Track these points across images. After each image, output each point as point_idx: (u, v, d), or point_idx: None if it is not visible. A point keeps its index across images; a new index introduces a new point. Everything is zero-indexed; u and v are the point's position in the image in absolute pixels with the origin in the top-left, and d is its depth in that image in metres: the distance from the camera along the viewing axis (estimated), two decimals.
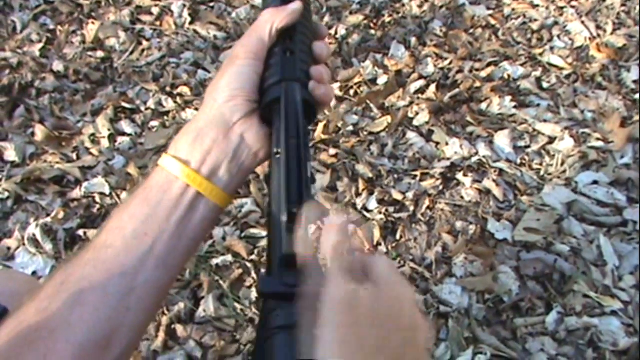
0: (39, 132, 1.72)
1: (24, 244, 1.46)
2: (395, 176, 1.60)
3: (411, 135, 1.70)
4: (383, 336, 0.41)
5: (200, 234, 0.56)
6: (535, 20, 2.08)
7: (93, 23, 2.06)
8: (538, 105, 1.79)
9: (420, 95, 1.81)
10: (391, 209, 1.52)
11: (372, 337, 0.41)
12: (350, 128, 1.71)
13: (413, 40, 1.99)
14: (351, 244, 0.48)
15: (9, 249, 1.46)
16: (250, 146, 0.58)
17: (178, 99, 1.83)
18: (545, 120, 1.73)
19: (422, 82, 1.84)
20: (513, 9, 2.12)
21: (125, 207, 0.55)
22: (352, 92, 1.83)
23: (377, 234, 1.46)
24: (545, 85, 1.86)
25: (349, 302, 0.41)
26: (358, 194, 1.55)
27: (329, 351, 0.39)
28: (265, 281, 0.47)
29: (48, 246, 1.45)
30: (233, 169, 0.57)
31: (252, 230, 1.48)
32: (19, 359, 0.47)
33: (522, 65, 1.91)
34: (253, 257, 1.44)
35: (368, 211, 1.52)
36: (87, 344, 0.49)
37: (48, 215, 1.52)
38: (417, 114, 1.74)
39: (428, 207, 1.53)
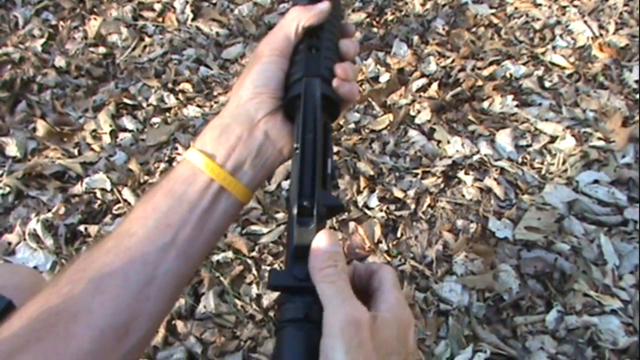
0: (41, 127, 1.72)
1: (24, 239, 1.47)
2: (397, 174, 1.60)
3: (413, 133, 1.70)
4: (386, 357, 0.44)
5: (221, 227, 0.57)
6: (538, 19, 2.08)
7: (95, 19, 2.06)
8: (540, 104, 1.79)
9: (422, 94, 1.81)
10: (392, 207, 1.52)
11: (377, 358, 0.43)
12: (352, 126, 1.71)
13: (415, 38, 1.99)
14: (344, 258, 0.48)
15: (9, 244, 1.47)
16: (274, 143, 0.59)
17: (180, 96, 1.83)
18: (546, 120, 1.73)
19: (424, 80, 1.84)
20: (516, 8, 2.12)
21: (150, 198, 0.55)
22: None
23: (377, 231, 1.47)
24: (547, 84, 1.86)
25: (351, 324, 0.42)
26: (359, 192, 1.55)
27: None
28: (275, 274, 0.47)
29: (49, 241, 1.45)
30: (257, 166, 0.58)
31: (253, 227, 1.48)
32: (39, 341, 0.47)
33: (524, 64, 1.91)
34: (254, 253, 1.44)
35: (369, 209, 1.52)
36: (106, 330, 0.49)
37: (49, 210, 1.52)
38: (419, 112, 1.74)
39: (429, 205, 1.53)
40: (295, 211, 0.48)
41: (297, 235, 0.47)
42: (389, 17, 2.08)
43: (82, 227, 1.49)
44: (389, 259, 1.42)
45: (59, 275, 0.52)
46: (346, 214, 1.50)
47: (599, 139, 1.67)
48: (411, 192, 1.55)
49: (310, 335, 0.43)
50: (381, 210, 1.51)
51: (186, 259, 0.54)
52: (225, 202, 0.56)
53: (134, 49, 2.00)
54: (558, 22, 2.07)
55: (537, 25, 2.06)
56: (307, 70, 0.58)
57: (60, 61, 1.93)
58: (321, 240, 0.47)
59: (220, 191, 0.56)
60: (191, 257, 0.55)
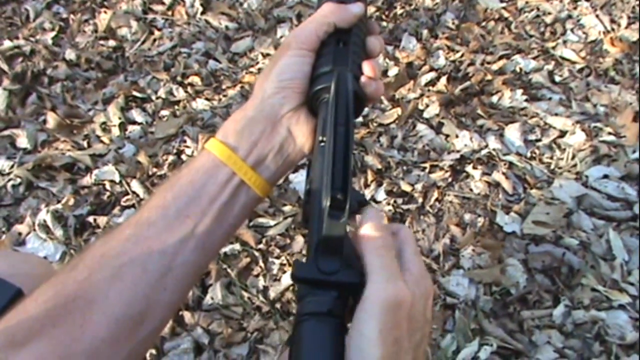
0: (51, 119, 1.73)
1: (34, 230, 1.48)
2: (404, 168, 1.60)
3: (421, 127, 1.69)
4: (414, 334, 0.45)
5: (239, 220, 0.57)
6: (549, 13, 2.06)
7: (105, 12, 2.07)
8: (550, 98, 1.78)
9: (430, 88, 1.80)
10: (399, 201, 1.52)
11: (407, 338, 0.44)
12: (360, 119, 1.71)
13: (425, 32, 1.98)
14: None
15: (20, 234, 1.48)
16: (296, 140, 0.58)
17: (189, 89, 1.83)
18: (556, 114, 1.72)
19: (433, 75, 1.83)
20: (526, 2, 2.10)
21: (169, 187, 0.55)
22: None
23: None
24: (557, 78, 1.84)
25: (393, 305, 0.43)
26: (367, 185, 1.55)
27: (371, 347, 0.41)
28: (299, 266, 0.47)
29: (58, 232, 1.46)
30: (278, 161, 0.58)
31: (261, 220, 1.48)
32: (56, 326, 0.48)
33: (534, 58, 1.90)
34: (261, 246, 1.44)
35: (376, 202, 1.52)
36: (122, 319, 0.50)
37: (59, 201, 1.53)
38: (427, 106, 1.74)
39: (437, 199, 1.53)
40: (327, 203, 0.47)
41: (328, 228, 0.47)
42: (399, 10, 2.07)
43: (91, 219, 1.50)
44: None
45: (76, 260, 0.52)
46: None
47: (610, 133, 1.66)
48: (419, 186, 1.54)
49: (333, 330, 0.42)
50: (388, 204, 1.51)
51: (204, 251, 0.55)
52: (245, 196, 0.56)
53: (143, 42, 2.00)
54: (569, 16, 2.05)
55: (548, 20, 2.04)
56: (335, 63, 0.57)
57: (70, 54, 1.94)
58: (373, 216, 0.49)
59: (241, 185, 0.56)
60: (208, 249, 0.55)
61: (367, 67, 0.58)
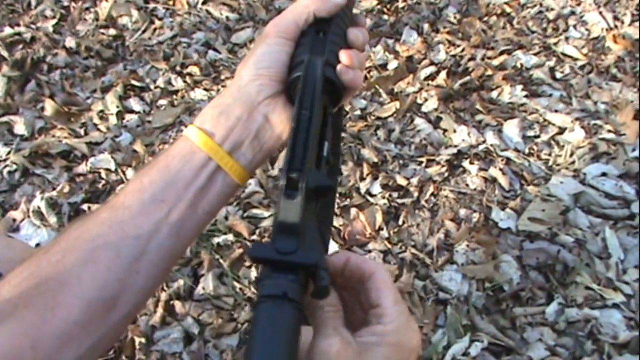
0: (49, 107, 1.73)
1: (29, 217, 1.48)
2: (401, 162, 1.59)
3: (419, 121, 1.68)
4: None
5: (215, 207, 0.57)
6: (552, 9, 2.05)
7: (107, 1, 2.07)
8: (550, 95, 1.76)
9: (430, 82, 1.79)
10: (395, 195, 1.51)
11: None
12: (358, 112, 1.70)
13: (426, 26, 1.97)
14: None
15: (14, 220, 1.48)
16: (274, 127, 0.58)
17: (187, 79, 1.83)
18: (556, 111, 1.70)
19: (433, 69, 1.82)
20: None
21: (147, 172, 0.55)
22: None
23: (379, 219, 1.46)
24: (558, 75, 1.83)
25: (324, 355, 0.43)
26: (362, 179, 1.54)
27: None
28: (256, 246, 0.47)
29: (53, 219, 1.46)
30: (255, 148, 0.57)
31: (255, 211, 1.48)
32: (27, 308, 0.48)
33: (536, 54, 1.88)
34: (255, 237, 1.44)
35: (372, 196, 1.51)
36: (95, 302, 0.50)
37: (54, 189, 1.53)
38: (426, 100, 1.73)
39: (432, 194, 1.52)
40: (283, 183, 0.47)
41: (283, 207, 0.46)
42: (400, 4, 2.06)
43: (85, 207, 1.50)
44: (389, 246, 1.41)
45: (52, 243, 0.53)
46: (348, 200, 1.50)
47: (609, 131, 1.64)
48: (415, 181, 1.53)
49: (287, 314, 0.42)
50: (384, 198, 1.50)
51: (178, 237, 0.54)
52: (222, 183, 0.56)
53: (144, 32, 2.00)
54: (573, 13, 2.03)
55: (551, 16, 2.02)
56: (312, 53, 0.57)
57: (70, 42, 1.94)
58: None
59: (217, 170, 0.55)
60: (183, 235, 0.55)
61: (343, 56, 0.58)
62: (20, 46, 1.93)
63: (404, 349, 0.46)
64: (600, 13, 2.00)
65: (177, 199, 0.54)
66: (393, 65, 1.83)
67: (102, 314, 0.50)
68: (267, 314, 0.42)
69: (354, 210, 1.48)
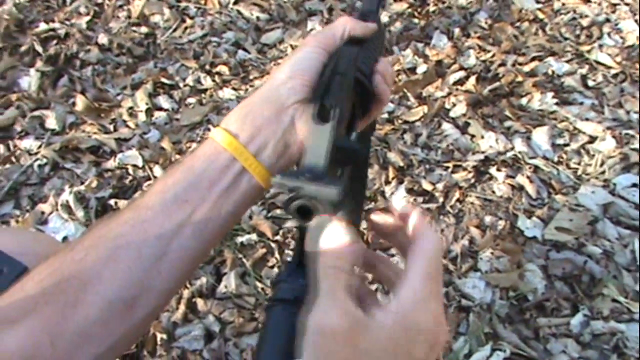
0: (80, 102, 1.76)
1: (57, 210, 1.50)
2: (427, 166, 1.58)
3: (447, 126, 1.67)
4: None
5: (239, 209, 0.56)
6: (586, 16, 2.02)
7: None
8: (581, 103, 1.74)
9: (459, 87, 1.77)
10: (420, 199, 1.50)
11: None
12: (385, 115, 1.69)
13: (457, 30, 1.95)
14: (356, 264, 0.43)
15: (42, 213, 1.51)
16: (298, 133, 0.57)
17: (216, 78, 1.84)
18: (587, 119, 1.68)
19: (462, 74, 1.80)
20: (563, 4, 2.06)
21: (171, 173, 0.55)
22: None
23: None
24: (590, 83, 1.80)
25: (318, 335, 0.38)
26: (387, 182, 1.54)
27: None
28: (285, 174, 0.46)
29: (80, 213, 1.48)
30: (279, 150, 0.56)
31: (279, 211, 1.48)
32: (48, 304, 0.48)
33: (567, 61, 1.85)
34: (278, 237, 1.44)
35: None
36: (115, 301, 0.50)
37: (82, 183, 1.56)
38: (454, 105, 1.72)
39: (458, 200, 1.51)
40: (315, 110, 0.48)
41: (313, 134, 0.47)
42: (431, 8, 2.04)
43: (112, 201, 1.51)
44: None
45: (76, 241, 0.53)
46: (372, 203, 1.49)
47: None
48: (440, 186, 1.52)
49: (295, 319, 0.40)
50: (408, 202, 1.49)
51: (201, 238, 0.54)
52: (246, 184, 0.55)
53: (174, 30, 2.02)
54: (607, 20, 2.00)
55: (585, 22, 1.99)
56: (343, 57, 0.59)
57: (103, 39, 1.97)
58: (335, 234, 0.43)
59: (242, 172, 0.55)
60: (206, 237, 0.54)
61: (381, 65, 0.60)
62: (54, 42, 1.97)
63: (418, 339, 0.40)
64: (636, 20, 1.96)
65: (200, 199, 0.53)
66: (422, 69, 1.82)
67: (122, 314, 0.50)
68: (276, 319, 0.42)
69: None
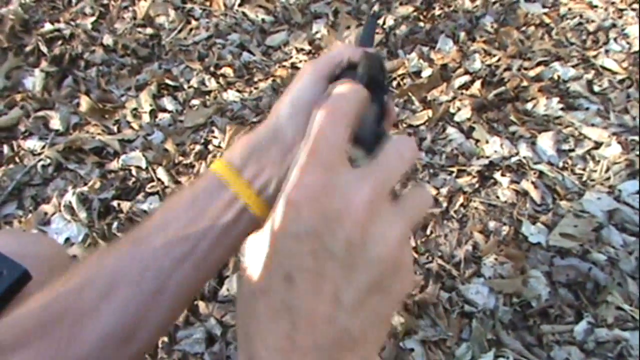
0: (84, 103, 1.76)
1: (60, 211, 1.50)
2: (431, 171, 1.57)
3: (451, 130, 1.66)
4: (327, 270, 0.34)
5: (239, 244, 0.56)
6: (592, 21, 2.01)
7: (145, 0, 2.09)
8: (587, 108, 1.72)
9: (464, 91, 1.77)
10: None
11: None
12: None
13: (462, 34, 1.95)
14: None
15: (45, 214, 1.50)
16: None
17: (221, 80, 1.84)
18: (593, 125, 1.67)
19: (467, 78, 1.80)
20: (569, 9, 2.05)
21: (172, 206, 0.54)
22: (394, 83, 1.81)
23: None
24: (596, 88, 1.79)
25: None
26: None
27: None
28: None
29: (82, 214, 1.48)
30: (282, 187, 0.56)
31: None
32: (42, 338, 0.47)
33: (573, 66, 1.84)
34: None
35: None
36: (112, 335, 0.49)
37: (85, 184, 1.55)
38: (459, 109, 1.71)
39: (462, 205, 1.50)
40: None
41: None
42: (437, 11, 2.04)
43: (115, 203, 1.51)
44: (416, 255, 1.40)
45: (74, 269, 0.52)
46: None
47: None
48: (444, 190, 1.52)
49: None
50: None
51: (200, 272, 0.54)
52: (247, 221, 0.55)
53: (179, 32, 2.02)
54: (614, 25, 1.99)
55: (591, 27, 1.98)
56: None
57: (108, 39, 1.97)
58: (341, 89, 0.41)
59: (244, 209, 0.54)
60: (205, 270, 0.54)
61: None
62: (59, 42, 1.97)
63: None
64: None
65: (201, 235, 0.53)
66: (427, 72, 1.81)
67: (118, 348, 0.50)
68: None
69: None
